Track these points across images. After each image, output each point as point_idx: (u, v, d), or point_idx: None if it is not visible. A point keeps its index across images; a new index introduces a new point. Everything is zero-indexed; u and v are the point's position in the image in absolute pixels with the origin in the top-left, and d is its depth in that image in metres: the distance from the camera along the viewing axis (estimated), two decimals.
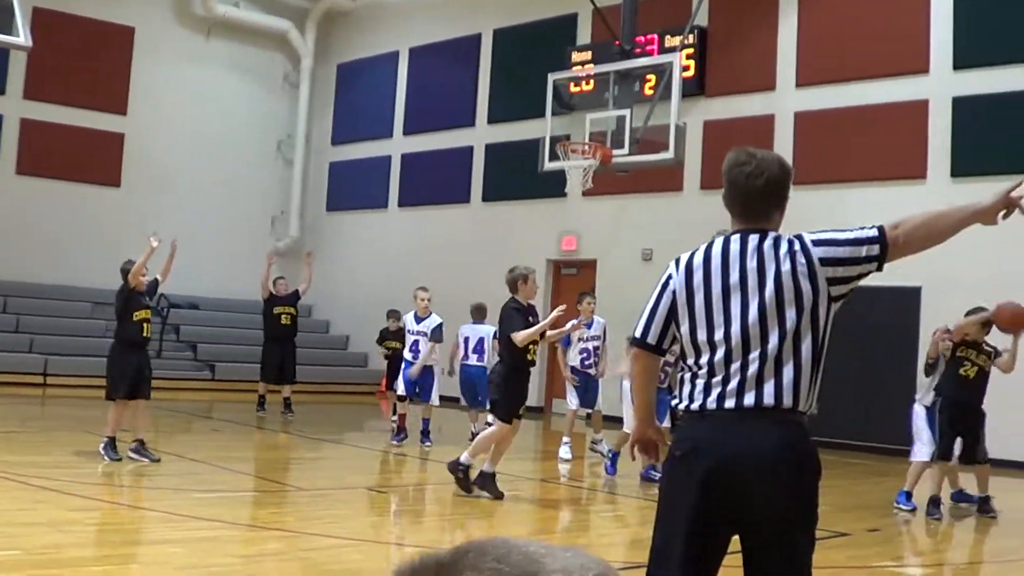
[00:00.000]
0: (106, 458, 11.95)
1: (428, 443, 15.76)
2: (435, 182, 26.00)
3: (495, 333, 17.52)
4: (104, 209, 25.45)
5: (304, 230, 28.79)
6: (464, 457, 11.19)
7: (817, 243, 4.29)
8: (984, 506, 11.87)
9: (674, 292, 4.40)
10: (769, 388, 4.15)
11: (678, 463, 4.25)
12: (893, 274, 16.12)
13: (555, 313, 11.50)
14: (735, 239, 4.38)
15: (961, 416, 11.73)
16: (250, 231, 27.19)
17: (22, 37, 18.11)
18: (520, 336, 11.18)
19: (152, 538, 8.57)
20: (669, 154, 16.92)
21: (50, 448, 13.14)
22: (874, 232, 4.31)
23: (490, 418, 11.93)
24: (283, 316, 19.10)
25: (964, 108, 17.74)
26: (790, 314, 4.21)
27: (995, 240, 16.83)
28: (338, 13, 29.07)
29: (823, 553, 9.37)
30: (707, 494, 4.11)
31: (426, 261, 25.08)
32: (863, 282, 4.36)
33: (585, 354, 15.37)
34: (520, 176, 22.35)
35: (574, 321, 14.83)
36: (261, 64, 28.55)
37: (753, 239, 4.34)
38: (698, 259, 4.39)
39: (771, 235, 4.35)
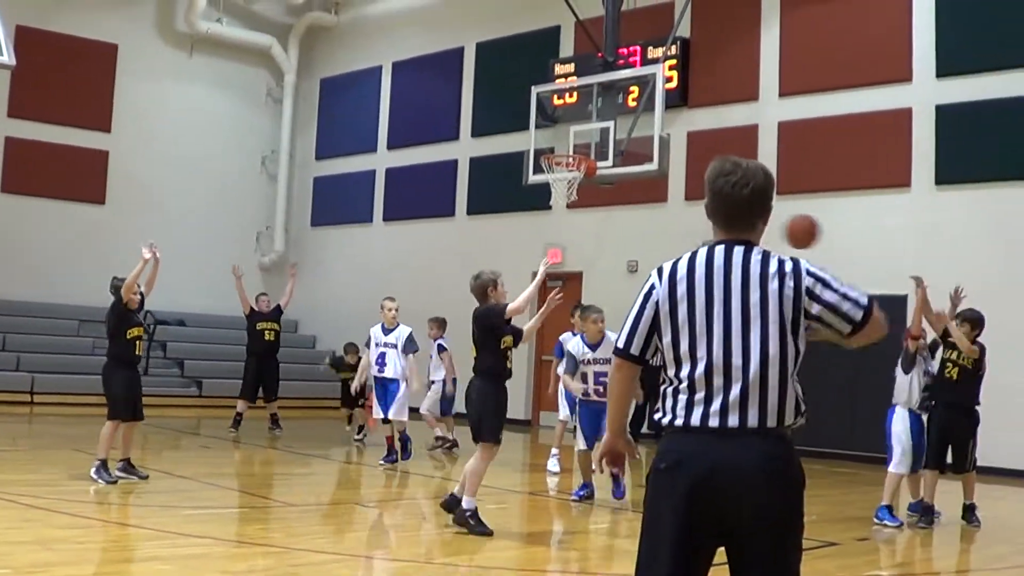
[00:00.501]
0: (100, 481, 11.77)
1: (407, 456, 15.35)
2: (419, 196, 26.03)
3: (439, 347, 17.43)
4: (89, 226, 25.44)
5: (289, 245, 28.80)
6: (466, 503, 9.94)
7: (811, 274, 4.28)
8: (968, 515, 11.80)
9: (657, 303, 4.36)
10: (754, 411, 4.17)
11: (662, 476, 4.23)
12: (879, 282, 16.17)
13: (543, 269, 10.44)
14: (719, 251, 4.35)
15: (949, 421, 11.65)
16: (235, 247, 27.14)
17: (5, 56, 18.12)
18: (517, 303, 10.14)
19: (141, 555, 8.55)
20: (653, 165, 16.94)
21: (38, 466, 13.09)
22: (865, 300, 4.30)
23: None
24: (266, 332, 18.99)
25: (947, 116, 17.83)
26: (773, 336, 4.21)
27: (980, 248, 16.94)
28: (320, 28, 29.12)
29: (812, 563, 9.38)
30: (692, 507, 4.12)
31: (411, 275, 25.12)
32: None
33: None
34: (504, 189, 22.37)
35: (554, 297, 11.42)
36: (244, 80, 28.59)
37: (738, 252, 4.33)
38: (682, 270, 4.36)
39: (757, 250, 4.35)
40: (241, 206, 28.23)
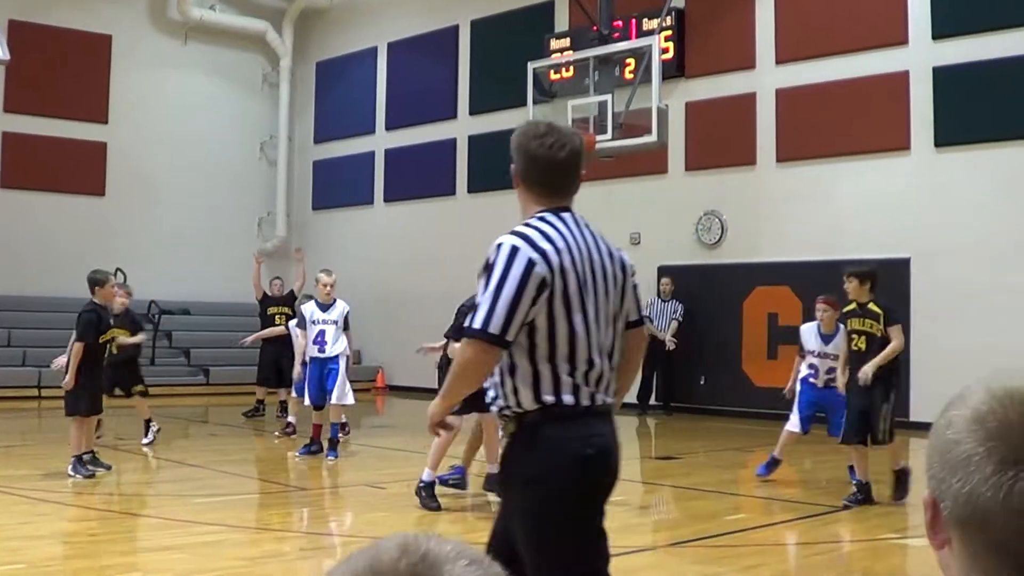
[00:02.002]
0: (77, 476, 11.53)
1: (333, 454, 14.01)
2: (420, 176, 26.00)
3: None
4: (90, 219, 25.40)
5: (291, 230, 28.78)
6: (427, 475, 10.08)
7: (632, 275, 4.42)
8: (896, 484, 10.88)
9: (543, 279, 4.03)
10: (612, 386, 4.26)
11: (589, 461, 4.07)
12: (882, 246, 16.21)
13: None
14: (568, 220, 4.27)
15: (859, 394, 10.76)
16: (237, 234, 27.13)
17: (0, 51, 18.09)
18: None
19: (155, 545, 8.58)
20: (652, 137, 16.90)
21: (48, 461, 13.09)
22: (639, 315, 4.48)
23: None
24: (278, 316, 18.85)
25: (944, 78, 17.76)
26: (621, 312, 4.33)
27: (982, 210, 16.92)
28: (314, 11, 29.03)
29: (824, 528, 9.42)
30: (607, 487, 4.21)
31: (414, 255, 25.15)
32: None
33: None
34: (504, 166, 21.91)
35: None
36: (240, 66, 28.52)
37: (583, 222, 4.32)
38: (548, 243, 4.11)
39: (589, 225, 4.35)
40: (242, 192, 28.19)
